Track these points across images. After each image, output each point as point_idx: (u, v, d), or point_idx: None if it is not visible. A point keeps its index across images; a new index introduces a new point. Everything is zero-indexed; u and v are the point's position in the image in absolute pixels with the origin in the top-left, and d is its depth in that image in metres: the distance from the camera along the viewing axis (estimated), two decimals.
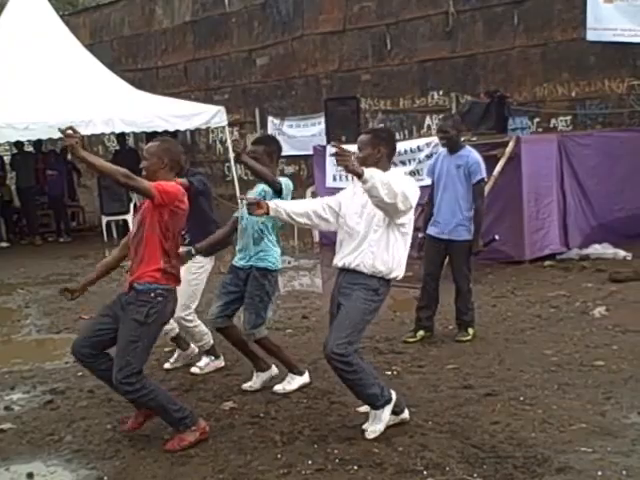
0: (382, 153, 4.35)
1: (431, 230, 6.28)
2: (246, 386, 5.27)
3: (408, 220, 4.31)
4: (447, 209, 6.18)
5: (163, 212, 4.18)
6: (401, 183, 4.12)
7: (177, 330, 5.76)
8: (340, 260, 4.38)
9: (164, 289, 4.24)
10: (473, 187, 6.13)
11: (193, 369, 5.73)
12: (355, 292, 4.28)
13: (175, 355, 5.96)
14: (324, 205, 4.45)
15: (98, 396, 5.23)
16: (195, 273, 5.53)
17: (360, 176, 3.97)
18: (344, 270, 4.37)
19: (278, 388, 5.17)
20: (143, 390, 4.24)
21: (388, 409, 4.32)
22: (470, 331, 6.20)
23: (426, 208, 6.40)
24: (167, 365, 5.91)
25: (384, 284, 4.32)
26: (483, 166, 6.22)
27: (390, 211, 4.14)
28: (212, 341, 5.76)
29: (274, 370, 5.34)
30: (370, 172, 4.00)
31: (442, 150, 6.43)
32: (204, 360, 5.77)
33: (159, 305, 4.21)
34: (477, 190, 6.15)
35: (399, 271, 4.34)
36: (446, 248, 6.24)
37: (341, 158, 3.92)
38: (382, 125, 11.60)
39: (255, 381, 5.29)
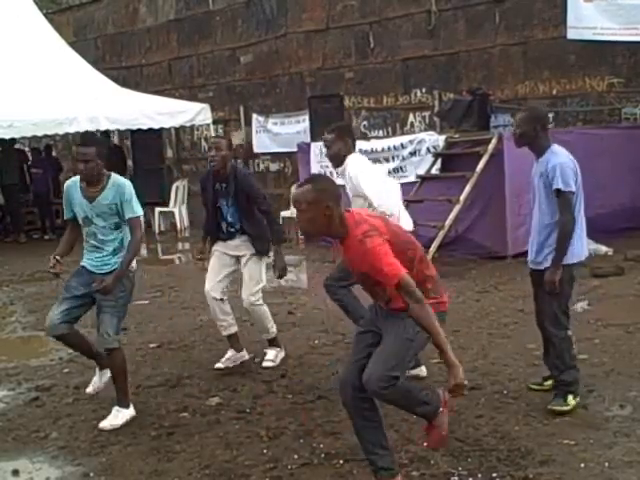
0: None
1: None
2: (89, 390, 5.05)
3: None
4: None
5: None
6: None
7: (235, 329, 5.66)
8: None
9: None
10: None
11: (265, 363, 5.63)
12: None
13: (227, 355, 5.67)
14: None
15: (84, 393, 5.21)
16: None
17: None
18: None
19: (105, 424, 4.62)
20: None
21: None
22: (570, 399, 4.45)
23: None
24: (218, 365, 5.60)
25: None
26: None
27: None
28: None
29: None
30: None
31: None
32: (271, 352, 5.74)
33: None
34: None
35: None
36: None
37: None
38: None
39: (95, 381, 5.06)
